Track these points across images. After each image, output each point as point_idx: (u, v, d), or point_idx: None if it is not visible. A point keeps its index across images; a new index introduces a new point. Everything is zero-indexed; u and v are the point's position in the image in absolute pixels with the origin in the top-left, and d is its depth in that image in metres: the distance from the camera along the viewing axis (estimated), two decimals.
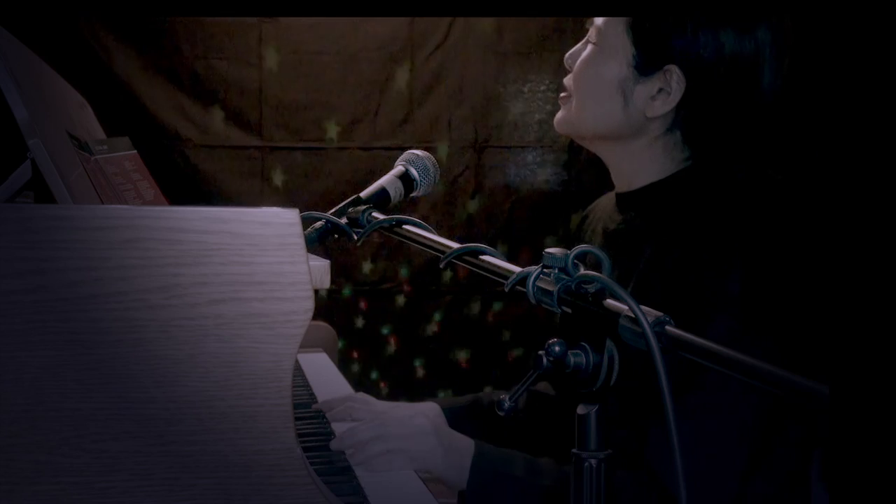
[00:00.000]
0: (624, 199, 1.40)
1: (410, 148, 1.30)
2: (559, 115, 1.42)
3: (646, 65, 1.30)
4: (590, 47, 1.36)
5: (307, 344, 2.02)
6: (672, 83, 1.28)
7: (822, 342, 1.19)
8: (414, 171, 1.25)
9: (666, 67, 1.28)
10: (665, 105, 1.29)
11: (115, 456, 0.89)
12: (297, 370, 1.80)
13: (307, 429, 1.40)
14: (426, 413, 1.42)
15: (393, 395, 3.40)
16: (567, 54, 1.41)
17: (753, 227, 1.21)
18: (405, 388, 3.45)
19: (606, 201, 1.52)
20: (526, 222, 3.45)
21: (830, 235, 1.21)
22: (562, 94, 1.42)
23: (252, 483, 0.92)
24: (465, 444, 1.27)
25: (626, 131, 1.34)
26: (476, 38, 3.37)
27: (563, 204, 3.41)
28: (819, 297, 1.21)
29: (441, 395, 3.42)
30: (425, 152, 1.27)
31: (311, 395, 1.65)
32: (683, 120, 1.30)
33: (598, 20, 1.36)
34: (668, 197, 1.33)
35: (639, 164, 1.36)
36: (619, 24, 1.32)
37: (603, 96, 1.34)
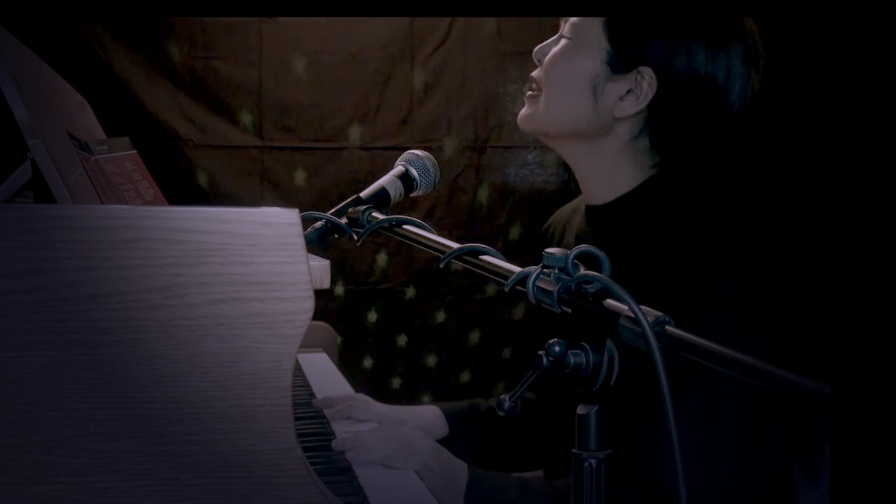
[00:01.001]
0: (594, 213, 1.39)
1: (410, 148, 1.30)
2: (524, 111, 1.39)
3: (619, 63, 1.29)
4: (563, 41, 1.35)
5: (307, 344, 2.03)
6: (643, 85, 1.27)
7: (813, 337, 1.19)
8: (414, 171, 1.25)
9: (639, 68, 1.27)
10: (634, 106, 1.29)
11: (115, 456, 0.89)
12: (297, 370, 1.80)
13: (307, 429, 1.40)
14: (426, 432, 1.44)
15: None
16: (536, 48, 1.39)
17: (736, 226, 1.21)
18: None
19: (569, 212, 1.51)
20: (526, 222, 3.45)
21: (816, 232, 1.22)
22: (529, 93, 1.39)
23: (252, 483, 0.92)
24: (459, 469, 1.28)
25: (594, 130, 1.33)
26: (476, 38, 3.37)
27: (563, 204, 3.41)
28: (808, 293, 1.21)
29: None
30: (425, 152, 1.27)
31: (311, 395, 1.65)
32: (651, 125, 1.30)
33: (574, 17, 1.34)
34: (640, 207, 1.32)
35: (608, 171, 1.34)
36: (595, 20, 1.31)
37: (573, 91, 1.32)
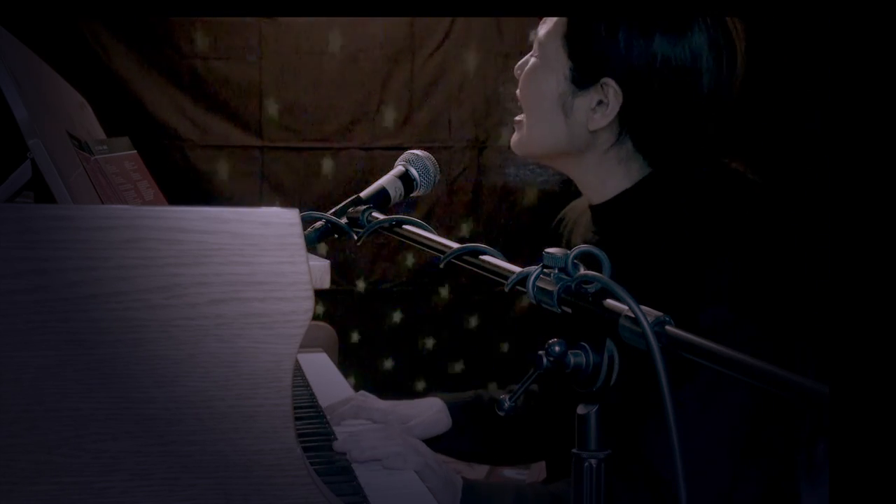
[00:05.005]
0: (597, 211, 1.39)
1: (410, 148, 1.30)
2: (514, 136, 1.41)
3: (582, 78, 1.29)
4: (532, 61, 1.36)
5: (307, 344, 2.02)
6: (609, 95, 1.27)
7: (810, 329, 1.19)
8: (414, 171, 1.25)
9: (602, 80, 1.27)
10: (605, 117, 1.29)
11: (115, 456, 0.89)
12: (297, 370, 1.80)
13: (307, 429, 1.40)
14: (429, 427, 1.45)
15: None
16: (517, 65, 1.40)
17: (732, 219, 1.21)
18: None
19: (581, 207, 1.51)
20: (526, 222, 3.45)
21: (810, 226, 1.22)
22: (517, 118, 1.41)
23: (252, 483, 0.92)
24: (455, 474, 1.28)
25: (574, 146, 1.33)
26: (476, 38, 3.37)
27: (563, 204, 3.40)
28: (805, 285, 1.21)
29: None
30: (425, 152, 1.27)
31: (312, 395, 1.65)
32: (629, 130, 1.30)
33: (541, 33, 1.35)
34: (638, 204, 1.32)
35: (599, 178, 1.35)
36: (556, 38, 1.31)
37: (545, 111, 1.34)
